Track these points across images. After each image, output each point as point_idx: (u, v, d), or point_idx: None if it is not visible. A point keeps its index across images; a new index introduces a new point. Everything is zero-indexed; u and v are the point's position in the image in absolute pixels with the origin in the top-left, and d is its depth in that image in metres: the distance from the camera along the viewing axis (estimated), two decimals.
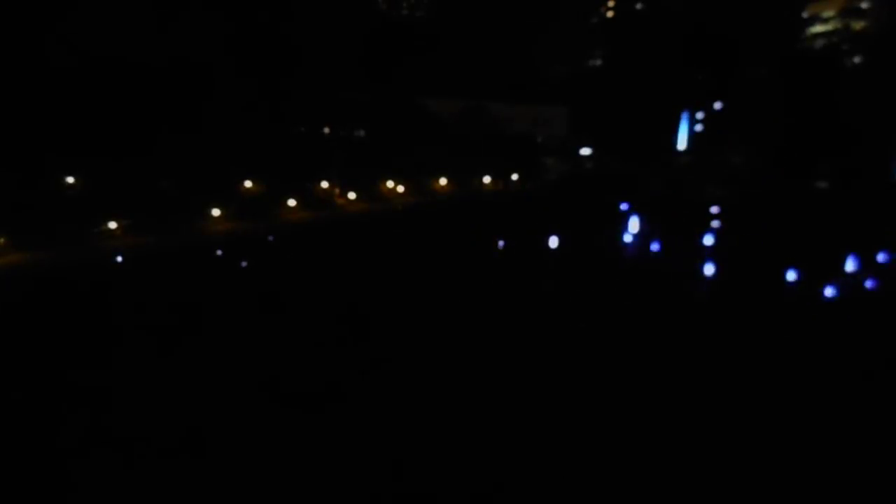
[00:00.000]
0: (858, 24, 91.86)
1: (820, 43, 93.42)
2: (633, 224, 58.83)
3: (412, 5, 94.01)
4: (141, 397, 26.90)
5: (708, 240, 55.44)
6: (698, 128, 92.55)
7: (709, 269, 45.62)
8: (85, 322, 34.76)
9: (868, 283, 44.19)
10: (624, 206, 68.40)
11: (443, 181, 76.43)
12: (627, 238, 56.89)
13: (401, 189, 71.56)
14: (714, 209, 70.01)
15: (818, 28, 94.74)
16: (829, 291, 41.26)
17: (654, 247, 53.23)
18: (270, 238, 55.04)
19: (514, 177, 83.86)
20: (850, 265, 46.18)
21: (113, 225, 49.13)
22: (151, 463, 22.51)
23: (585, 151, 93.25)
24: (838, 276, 44.41)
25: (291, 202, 60.48)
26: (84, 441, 24.04)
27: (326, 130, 76.75)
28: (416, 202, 70.31)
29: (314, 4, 76.60)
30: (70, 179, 52.56)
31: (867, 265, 46.89)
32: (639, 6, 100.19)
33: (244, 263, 47.67)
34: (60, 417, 25.59)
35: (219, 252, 50.32)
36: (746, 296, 40.96)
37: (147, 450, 23.31)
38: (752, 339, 33.92)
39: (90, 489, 21.30)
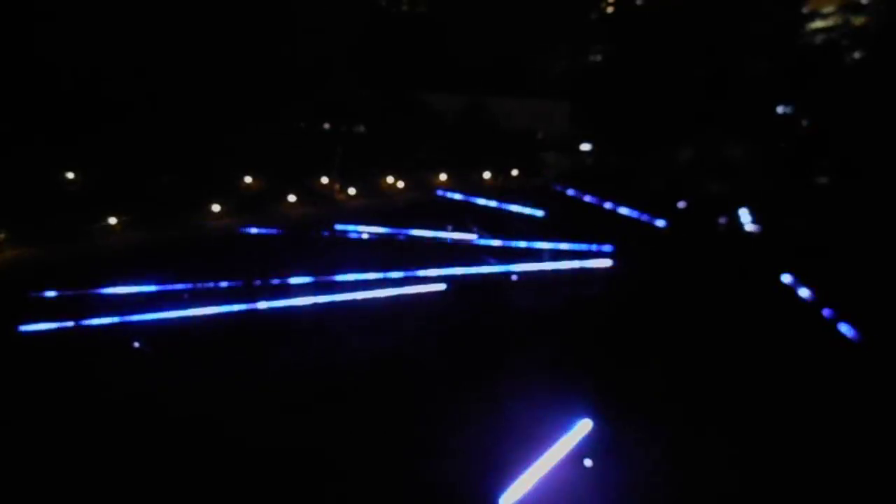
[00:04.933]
0: (858, 20, 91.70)
1: (820, 38, 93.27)
2: None
3: (413, 1, 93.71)
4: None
5: None
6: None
7: None
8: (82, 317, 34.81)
9: None
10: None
11: (443, 176, 76.34)
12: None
13: (401, 185, 71.55)
14: None
15: (818, 24, 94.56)
16: None
17: None
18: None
19: (514, 172, 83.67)
20: None
21: (113, 220, 49.12)
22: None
23: (586, 147, 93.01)
24: None
25: (291, 198, 60.66)
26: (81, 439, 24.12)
27: (326, 126, 76.60)
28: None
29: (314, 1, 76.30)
30: (70, 175, 52.52)
31: None
32: (639, 2, 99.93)
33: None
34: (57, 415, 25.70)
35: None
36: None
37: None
38: None
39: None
